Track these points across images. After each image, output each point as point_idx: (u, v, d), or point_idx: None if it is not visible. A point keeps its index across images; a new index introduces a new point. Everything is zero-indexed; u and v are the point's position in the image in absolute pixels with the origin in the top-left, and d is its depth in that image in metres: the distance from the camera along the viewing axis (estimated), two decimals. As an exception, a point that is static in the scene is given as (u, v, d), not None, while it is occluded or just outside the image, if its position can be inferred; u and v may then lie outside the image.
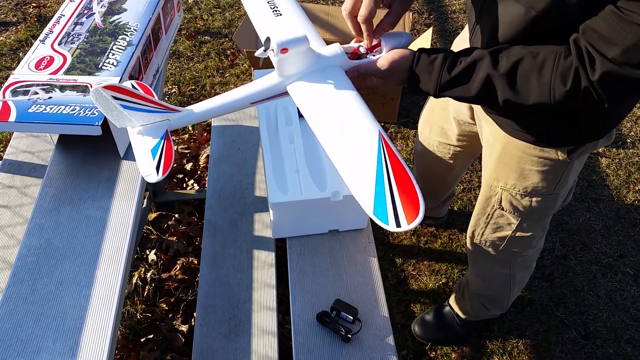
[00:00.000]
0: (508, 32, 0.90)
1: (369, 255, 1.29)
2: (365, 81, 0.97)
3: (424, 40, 2.27)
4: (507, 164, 1.17)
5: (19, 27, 2.99)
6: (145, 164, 0.87)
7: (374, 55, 0.95)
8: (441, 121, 1.47)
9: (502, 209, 1.24)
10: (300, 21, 1.00)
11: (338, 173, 1.30)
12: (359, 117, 0.85)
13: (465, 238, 1.45)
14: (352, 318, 1.16)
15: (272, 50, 0.85)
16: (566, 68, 0.81)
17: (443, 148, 1.53)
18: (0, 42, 2.89)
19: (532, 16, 0.84)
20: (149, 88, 0.98)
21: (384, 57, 0.93)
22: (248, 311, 1.39)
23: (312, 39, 0.95)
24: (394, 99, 2.33)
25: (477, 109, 1.22)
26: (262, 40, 0.88)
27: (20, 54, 2.78)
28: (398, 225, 0.73)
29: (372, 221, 1.39)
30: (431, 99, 1.54)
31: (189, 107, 0.93)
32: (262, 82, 0.92)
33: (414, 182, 0.76)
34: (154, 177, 0.86)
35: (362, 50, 0.96)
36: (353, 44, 0.99)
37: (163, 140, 0.89)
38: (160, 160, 0.87)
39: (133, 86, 0.95)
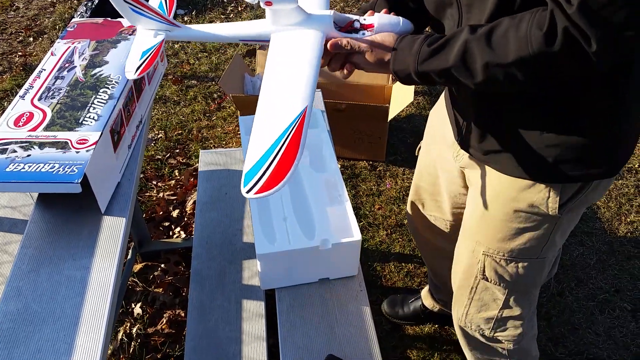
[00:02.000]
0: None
1: (361, 304, 1.25)
2: (348, 56, 0.97)
3: (407, 93, 2.25)
4: (492, 223, 1.10)
5: (4, 76, 2.99)
6: (132, 61, 1.04)
7: (363, 35, 0.96)
8: (433, 195, 1.39)
9: (486, 279, 1.16)
10: None
11: (326, 220, 1.29)
12: (298, 87, 0.86)
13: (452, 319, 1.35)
14: (345, 373, 1.12)
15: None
16: (543, 16, 0.76)
17: (440, 223, 1.43)
18: (-16, 92, 2.88)
19: None
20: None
21: (370, 36, 0.95)
22: (238, 366, 1.34)
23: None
24: (381, 138, 2.33)
25: (472, 157, 1.14)
26: None
27: (5, 104, 2.77)
28: (248, 192, 0.77)
29: (362, 268, 1.36)
30: (415, 176, 1.44)
31: (188, 26, 1.06)
32: (254, 25, 1.00)
33: (294, 164, 0.78)
34: (131, 75, 1.03)
35: (356, 25, 0.97)
36: (351, 16, 0.99)
37: (155, 47, 1.04)
38: (143, 63, 1.03)
39: None
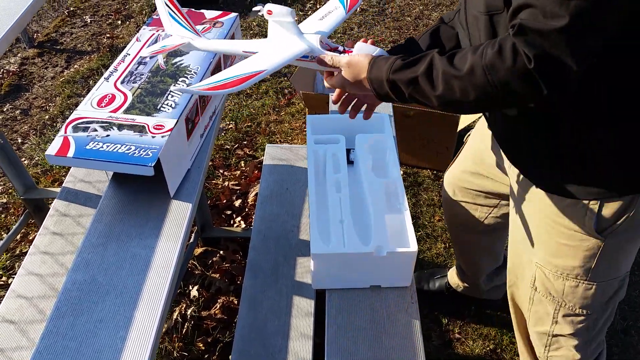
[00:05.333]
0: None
1: (412, 316, 1.23)
2: (333, 75, 1.10)
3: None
4: (539, 236, 1.10)
5: (92, 56, 3.17)
6: (153, 47, 1.22)
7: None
8: (475, 181, 1.44)
9: (537, 290, 1.16)
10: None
11: (383, 228, 1.28)
12: (268, 59, 1.09)
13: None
14: (388, 384, 1.11)
15: (262, 8, 1.12)
16: (495, 40, 0.86)
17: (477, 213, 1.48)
18: (74, 70, 3.07)
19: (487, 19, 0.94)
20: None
21: (350, 55, 1.07)
22: (282, 361, 1.36)
23: (310, 31, 1.17)
24: (448, 148, 2.28)
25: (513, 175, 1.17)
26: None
27: (91, 82, 2.94)
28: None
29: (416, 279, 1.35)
30: (461, 162, 1.49)
31: (206, 39, 1.24)
32: (255, 41, 1.18)
33: (227, 90, 1.03)
34: (144, 53, 1.27)
35: (340, 48, 1.12)
36: (335, 45, 1.14)
37: (174, 45, 1.19)
38: (158, 50, 1.21)
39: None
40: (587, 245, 1.04)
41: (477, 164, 1.39)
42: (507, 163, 1.18)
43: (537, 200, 1.08)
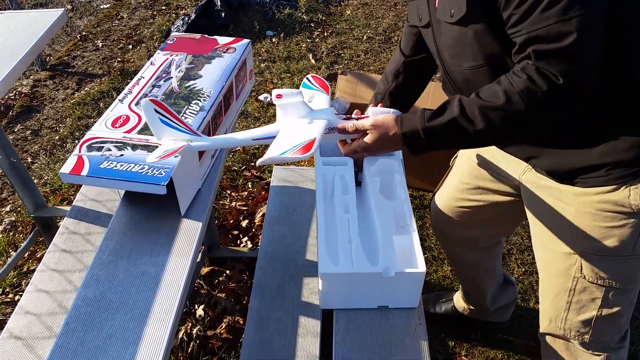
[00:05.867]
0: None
1: (419, 337, 1.23)
2: (346, 143, 1.17)
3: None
4: (579, 226, 1.14)
5: (103, 79, 3.23)
6: (155, 153, 1.14)
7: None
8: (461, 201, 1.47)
9: (585, 278, 1.18)
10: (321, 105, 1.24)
11: (391, 248, 1.29)
12: (311, 131, 1.10)
13: (539, 332, 1.36)
14: (396, 406, 1.10)
15: (270, 95, 1.14)
16: (516, 70, 0.95)
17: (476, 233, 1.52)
18: (85, 92, 3.12)
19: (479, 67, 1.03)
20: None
21: (370, 118, 1.12)
22: (289, 382, 1.35)
23: (319, 105, 1.22)
24: (454, 172, 2.30)
25: (532, 185, 1.20)
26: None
27: (101, 104, 2.99)
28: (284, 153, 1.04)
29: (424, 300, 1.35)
30: (453, 181, 1.51)
31: (208, 137, 1.20)
32: (265, 127, 1.17)
33: (302, 156, 1.04)
34: (151, 159, 1.13)
35: (354, 117, 1.17)
36: (346, 115, 1.18)
37: (175, 148, 1.13)
38: (162, 154, 1.12)
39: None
40: (632, 222, 1.09)
41: (475, 179, 1.42)
42: (520, 172, 1.23)
43: (574, 197, 1.13)
